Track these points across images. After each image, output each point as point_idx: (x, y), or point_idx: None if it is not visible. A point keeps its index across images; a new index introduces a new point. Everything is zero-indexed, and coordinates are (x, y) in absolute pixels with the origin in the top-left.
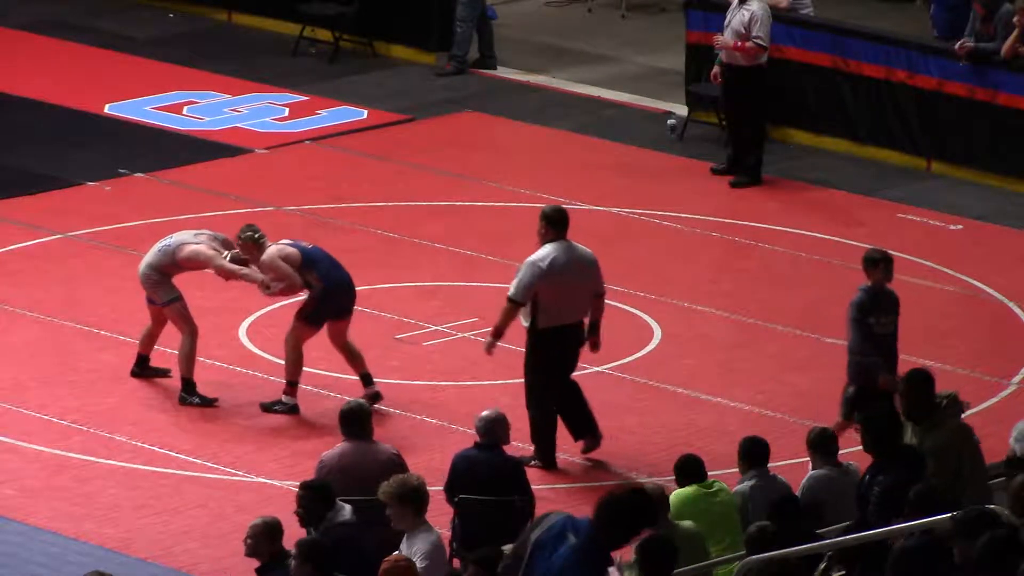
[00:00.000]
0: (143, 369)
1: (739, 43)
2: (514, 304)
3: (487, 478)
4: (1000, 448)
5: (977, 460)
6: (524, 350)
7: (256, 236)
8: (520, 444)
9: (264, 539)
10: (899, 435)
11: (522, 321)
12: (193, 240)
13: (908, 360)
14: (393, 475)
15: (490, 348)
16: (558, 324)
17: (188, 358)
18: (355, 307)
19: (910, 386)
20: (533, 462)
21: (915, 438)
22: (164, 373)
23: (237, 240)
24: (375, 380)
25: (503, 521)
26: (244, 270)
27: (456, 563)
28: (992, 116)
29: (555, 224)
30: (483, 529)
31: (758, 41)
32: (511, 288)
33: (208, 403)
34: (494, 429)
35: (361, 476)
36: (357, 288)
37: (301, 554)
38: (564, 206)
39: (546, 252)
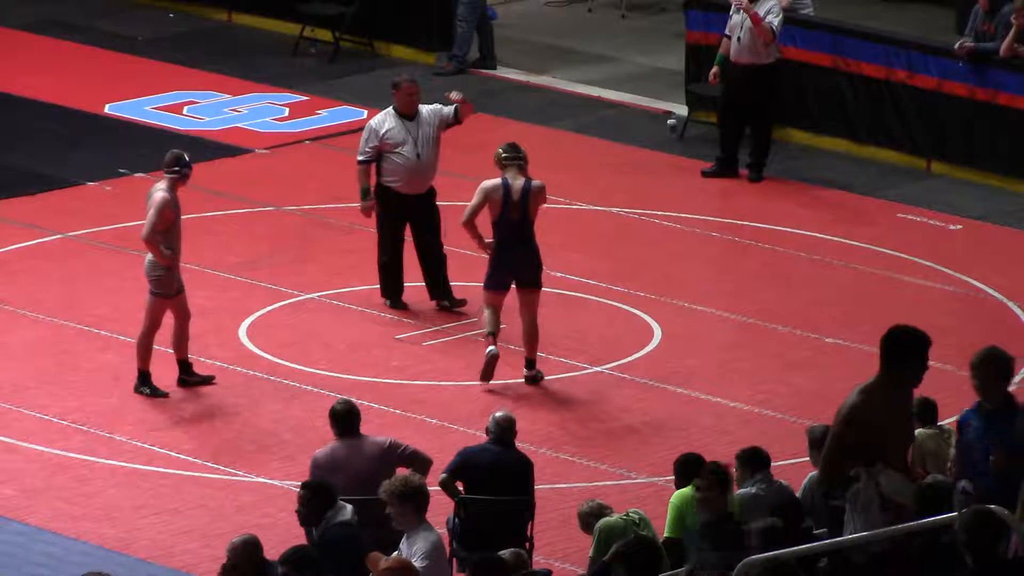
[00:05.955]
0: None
1: (757, 15)
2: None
3: (498, 472)
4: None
5: None
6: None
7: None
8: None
9: (247, 558)
10: None
11: None
12: None
13: None
14: (389, 469)
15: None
16: None
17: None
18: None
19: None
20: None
21: None
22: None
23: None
24: (375, 380)
25: (503, 520)
26: None
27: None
28: (992, 116)
29: None
30: (483, 528)
31: (772, 25)
32: None
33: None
34: (508, 428)
35: (352, 473)
36: (358, 288)
37: (296, 566)
38: (565, 205)
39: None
